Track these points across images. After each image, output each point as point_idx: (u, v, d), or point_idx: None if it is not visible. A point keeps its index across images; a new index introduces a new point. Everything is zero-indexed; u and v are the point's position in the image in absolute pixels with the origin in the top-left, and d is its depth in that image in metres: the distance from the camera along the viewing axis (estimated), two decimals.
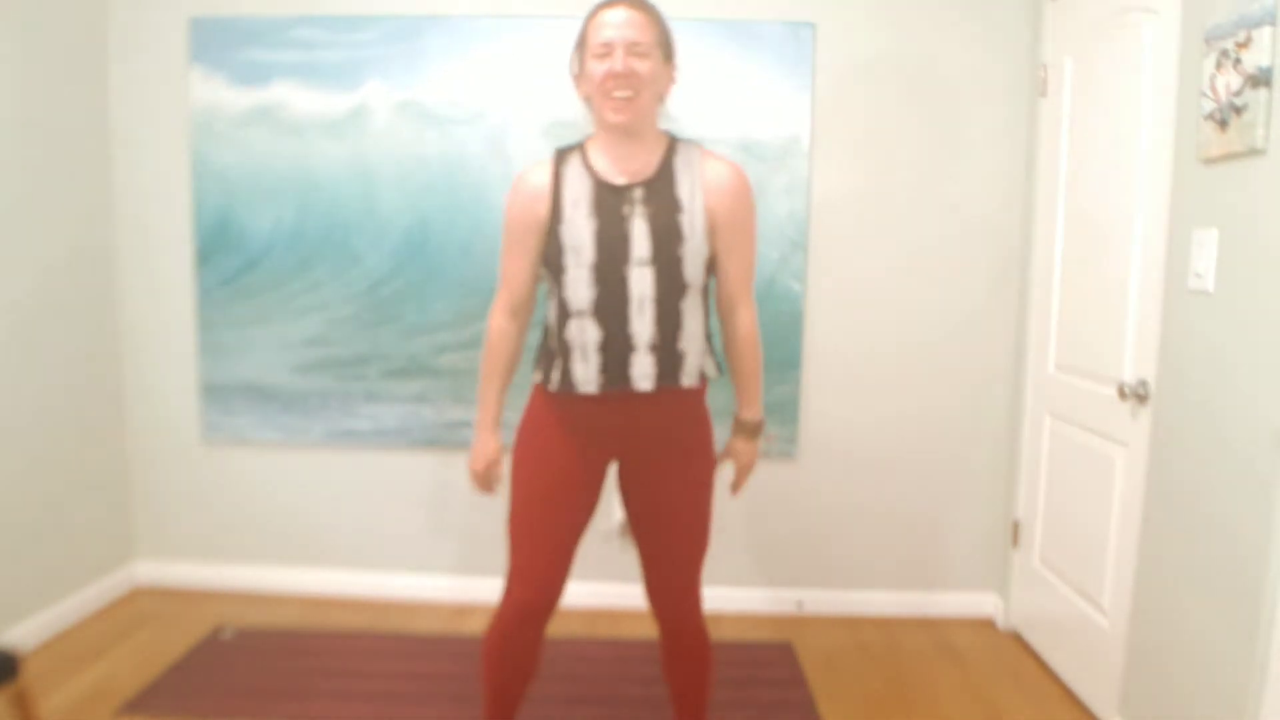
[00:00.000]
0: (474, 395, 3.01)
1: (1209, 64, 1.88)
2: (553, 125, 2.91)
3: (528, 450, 1.83)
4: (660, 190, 1.73)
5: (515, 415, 3.01)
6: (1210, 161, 1.90)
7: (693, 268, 1.73)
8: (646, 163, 1.76)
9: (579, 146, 1.80)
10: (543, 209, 1.76)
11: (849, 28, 2.88)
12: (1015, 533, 2.95)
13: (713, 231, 1.77)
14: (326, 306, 3.02)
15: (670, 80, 1.78)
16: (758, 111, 2.89)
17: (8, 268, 2.59)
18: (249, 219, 3.00)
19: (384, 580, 3.14)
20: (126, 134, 3.02)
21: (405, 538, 3.13)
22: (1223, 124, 1.83)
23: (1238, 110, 1.78)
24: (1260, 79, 1.72)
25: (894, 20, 2.87)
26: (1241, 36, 1.77)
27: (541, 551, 1.80)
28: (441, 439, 3.06)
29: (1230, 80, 1.80)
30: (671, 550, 1.86)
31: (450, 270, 2.98)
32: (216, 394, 3.08)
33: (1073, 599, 2.54)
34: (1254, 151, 1.75)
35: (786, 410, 2.99)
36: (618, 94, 1.67)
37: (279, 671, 2.56)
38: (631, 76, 1.66)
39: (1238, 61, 1.78)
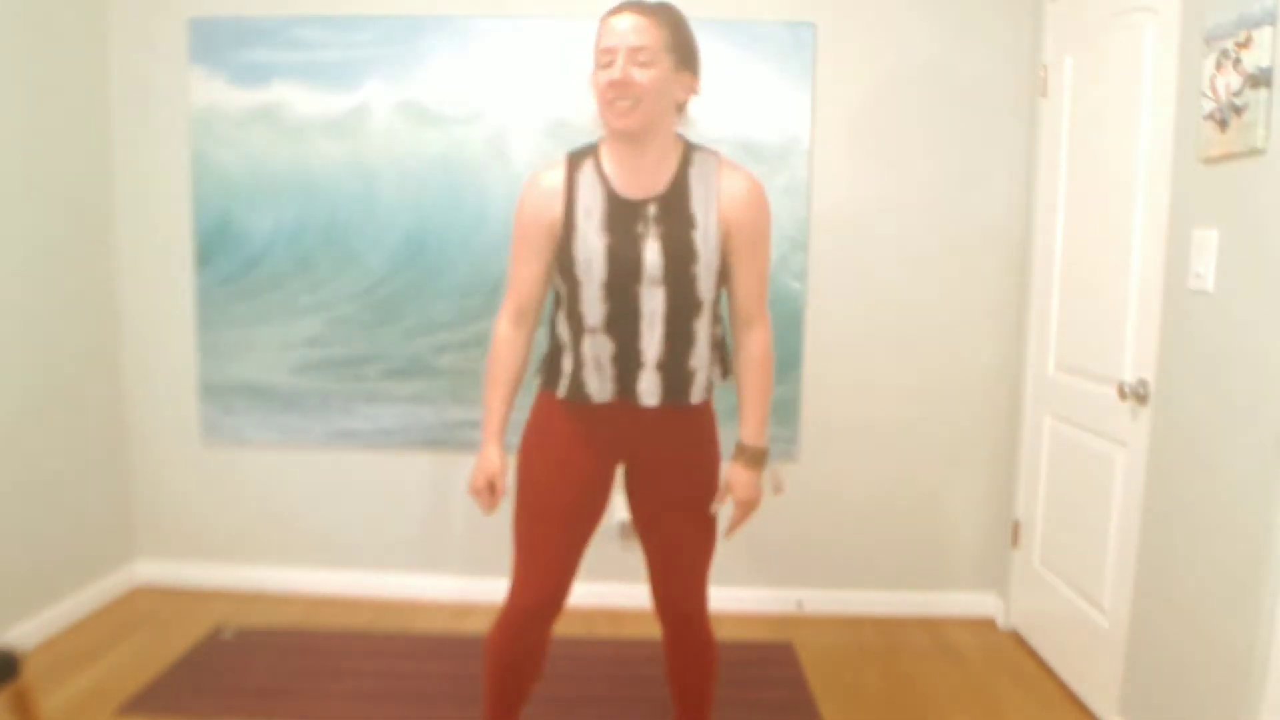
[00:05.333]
0: (474, 395, 3.01)
1: (1209, 64, 1.88)
2: (553, 125, 2.91)
3: (534, 453, 1.81)
4: (674, 205, 1.70)
5: (517, 417, 3.02)
6: (1210, 161, 1.90)
7: (705, 285, 1.71)
8: (660, 175, 1.72)
9: (592, 150, 1.76)
10: (555, 213, 1.72)
11: (849, 28, 2.88)
12: (1015, 533, 2.95)
13: (726, 245, 1.73)
14: (326, 306, 3.02)
15: (687, 88, 1.71)
16: (758, 111, 2.89)
17: (8, 268, 2.59)
18: (249, 219, 3.00)
19: (384, 580, 3.14)
20: (126, 134, 3.02)
21: (405, 538, 3.13)
22: (1223, 124, 1.84)
23: (1238, 110, 1.78)
24: (1260, 79, 1.72)
25: (894, 20, 2.87)
26: (1241, 36, 1.77)
27: (547, 554, 1.79)
28: (441, 439, 3.06)
29: (1230, 80, 1.80)
30: (677, 553, 1.85)
31: (450, 270, 2.98)
32: (216, 394, 3.08)
33: (1073, 599, 2.54)
34: (1254, 151, 1.75)
35: (786, 410, 2.99)
36: (618, 103, 1.63)
37: (279, 671, 2.56)
38: (630, 85, 1.61)
39: (1238, 61, 1.78)
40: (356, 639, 2.78)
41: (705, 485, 1.84)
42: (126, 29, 2.98)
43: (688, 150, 1.75)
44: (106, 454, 3.04)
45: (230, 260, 3.02)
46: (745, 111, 2.88)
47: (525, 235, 1.76)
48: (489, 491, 1.81)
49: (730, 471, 1.83)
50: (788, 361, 2.96)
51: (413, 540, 3.13)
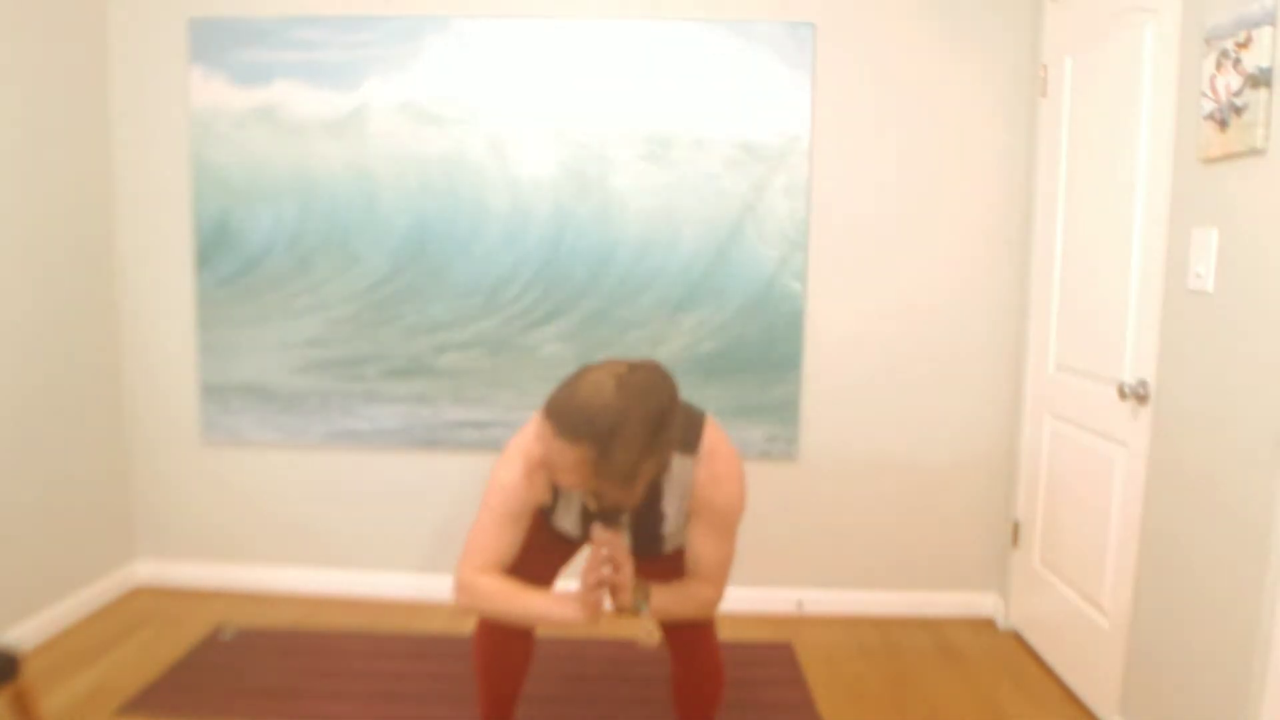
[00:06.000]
0: (474, 395, 3.01)
1: (1209, 64, 1.88)
2: (553, 125, 2.91)
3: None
4: (645, 510, 1.75)
5: (517, 417, 3.02)
6: (1210, 161, 1.90)
7: (672, 545, 1.84)
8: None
9: None
10: (546, 498, 1.77)
11: (849, 28, 2.88)
12: (1015, 533, 2.95)
13: (692, 519, 1.74)
14: (326, 306, 3.02)
15: (641, 485, 1.56)
16: (758, 111, 2.89)
17: (8, 268, 2.59)
18: (249, 219, 3.00)
19: (384, 580, 3.14)
20: (126, 134, 3.02)
21: (405, 538, 3.13)
22: (1223, 124, 1.83)
23: (1238, 110, 1.78)
24: (1260, 79, 1.72)
25: (894, 20, 2.87)
26: (1241, 36, 1.77)
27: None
28: (441, 439, 3.06)
29: (1230, 80, 1.80)
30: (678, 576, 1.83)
31: (450, 270, 2.98)
32: (216, 394, 3.08)
33: (1073, 599, 2.54)
34: (1254, 151, 1.75)
35: (786, 410, 2.99)
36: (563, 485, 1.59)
37: (279, 671, 2.56)
38: (582, 487, 1.56)
39: (1238, 61, 1.78)
40: (356, 639, 2.78)
41: (712, 510, 1.75)
42: (126, 29, 2.98)
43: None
44: (106, 454, 3.04)
45: (230, 260, 3.02)
46: (745, 111, 2.88)
47: (509, 513, 1.71)
48: (596, 592, 1.66)
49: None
50: (788, 361, 2.96)
51: (412, 540, 3.13)
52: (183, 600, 3.07)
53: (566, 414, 1.46)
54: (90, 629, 2.82)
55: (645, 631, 1.68)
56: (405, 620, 2.95)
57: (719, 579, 1.76)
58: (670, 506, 1.73)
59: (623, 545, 1.64)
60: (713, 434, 1.73)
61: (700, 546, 1.74)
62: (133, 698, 2.38)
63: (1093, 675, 2.40)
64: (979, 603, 3.08)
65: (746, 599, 3.09)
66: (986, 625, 3.02)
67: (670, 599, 1.75)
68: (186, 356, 3.09)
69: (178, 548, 3.18)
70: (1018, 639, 2.90)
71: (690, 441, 1.70)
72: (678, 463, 1.70)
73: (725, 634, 2.87)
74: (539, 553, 1.91)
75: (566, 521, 1.82)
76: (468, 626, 2.90)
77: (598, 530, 1.64)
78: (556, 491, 1.78)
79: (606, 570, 1.60)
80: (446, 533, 3.12)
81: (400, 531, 3.12)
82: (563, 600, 1.67)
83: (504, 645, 1.85)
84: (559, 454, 1.49)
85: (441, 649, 2.73)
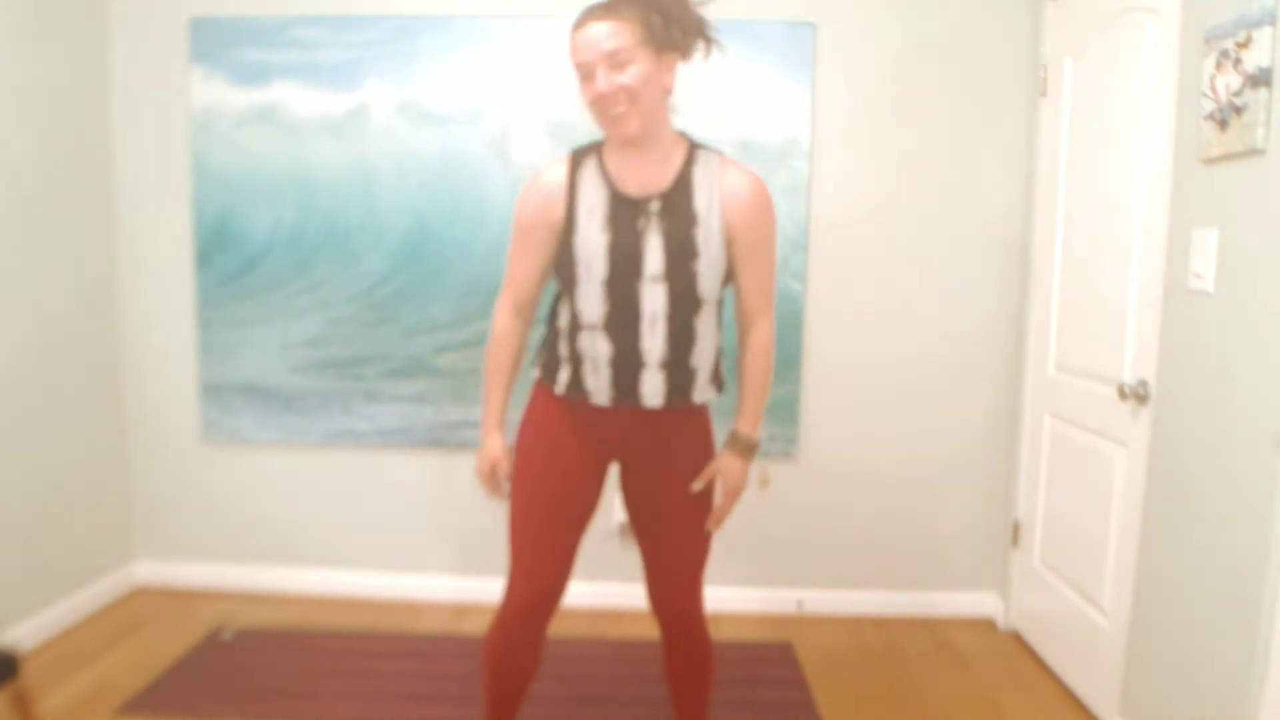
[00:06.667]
0: (474, 395, 3.01)
1: (1209, 64, 1.88)
2: (553, 125, 2.91)
3: (529, 449, 1.82)
4: (677, 203, 1.68)
5: (515, 415, 3.02)
6: (1210, 161, 1.90)
7: (707, 283, 1.69)
8: (663, 172, 1.70)
9: (596, 149, 1.74)
10: (558, 211, 1.72)
11: (849, 28, 2.88)
12: (1015, 533, 2.95)
13: (730, 244, 1.72)
14: (326, 306, 3.02)
15: (671, 70, 1.66)
16: (758, 111, 2.89)
17: (8, 267, 2.59)
18: (249, 219, 3.00)
19: (384, 580, 3.14)
20: (126, 134, 3.02)
21: (405, 538, 3.13)
22: (1223, 124, 1.83)
23: (1238, 110, 1.78)
24: (1260, 79, 1.72)
25: (894, 20, 2.87)
26: (1241, 36, 1.77)
27: (543, 550, 1.79)
28: (441, 439, 3.06)
29: (1230, 80, 1.80)
30: (673, 553, 1.85)
31: (450, 270, 2.98)
32: (216, 394, 3.08)
33: (1073, 599, 2.54)
34: (1254, 151, 1.75)
35: (786, 410, 2.99)
36: (612, 112, 1.61)
37: (279, 671, 2.56)
38: (619, 93, 1.59)
39: (1238, 61, 1.78)
40: (357, 639, 2.78)
41: (745, 227, 1.74)
42: (126, 29, 2.98)
43: (692, 149, 1.74)
44: (106, 454, 3.04)
45: (230, 260, 3.02)
46: (745, 111, 2.88)
47: (526, 231, 1.76)
48: (492, 476, 1.85)
49: (722, 458, 1.82)
50: (788, 361, 2.96)
51: (412, 540, 3.13)
52: (183, 600, 3.07)
53: (604, 3, 1.60)
54: (90, 629, 2.82)
55: (760, 477, 1.67)
56: (405, 620, 2.95)
57: (768, 305, 1.80)
58: (701, 204, 1.69)
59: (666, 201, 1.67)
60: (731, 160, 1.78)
61: (747, 274, 1.76)
62: (133, 698, 2.38)
63: (1093, 675, 2.41)
64: (979, 603, 3.08)
65: (746, 599, 3.09)
66: (986, 625, 3.02)
67: (755, 388, 1.83)
68: (186, 356, 3.09)
69: (178, 548, 3.18)
70: (1018, 639, 2.90)
71: (714, 151, 1.76)
72: (705, 156, 1.72)
73: (725, 634, 2.87)
74: (551, 507, 1.79)
75: (591, 234, 1.67)
76: (468, 626, 2.90)
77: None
78: (572, 198, 1.70)
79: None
80: (447, 533, 3.12)
81: (400, 531, 3.12)
82: (489, 442, 1.83)
83: (516, 647, 1.84)
84: (614, 37, 1.57)
85: (441, 649, 2.73)
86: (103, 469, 3.03)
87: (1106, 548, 2.34)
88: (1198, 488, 1.93)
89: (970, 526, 3.06)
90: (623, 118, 1.61)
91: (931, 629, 2.98)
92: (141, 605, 3.02)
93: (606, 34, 1.57)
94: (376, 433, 3.07)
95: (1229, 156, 1.83)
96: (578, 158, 1.75)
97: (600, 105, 1.61)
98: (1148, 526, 2.14)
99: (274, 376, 3.06)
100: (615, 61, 1.58)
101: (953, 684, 2.59)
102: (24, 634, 2.64)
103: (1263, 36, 1.71)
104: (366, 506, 3.12)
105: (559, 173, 1.73)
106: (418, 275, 2.99)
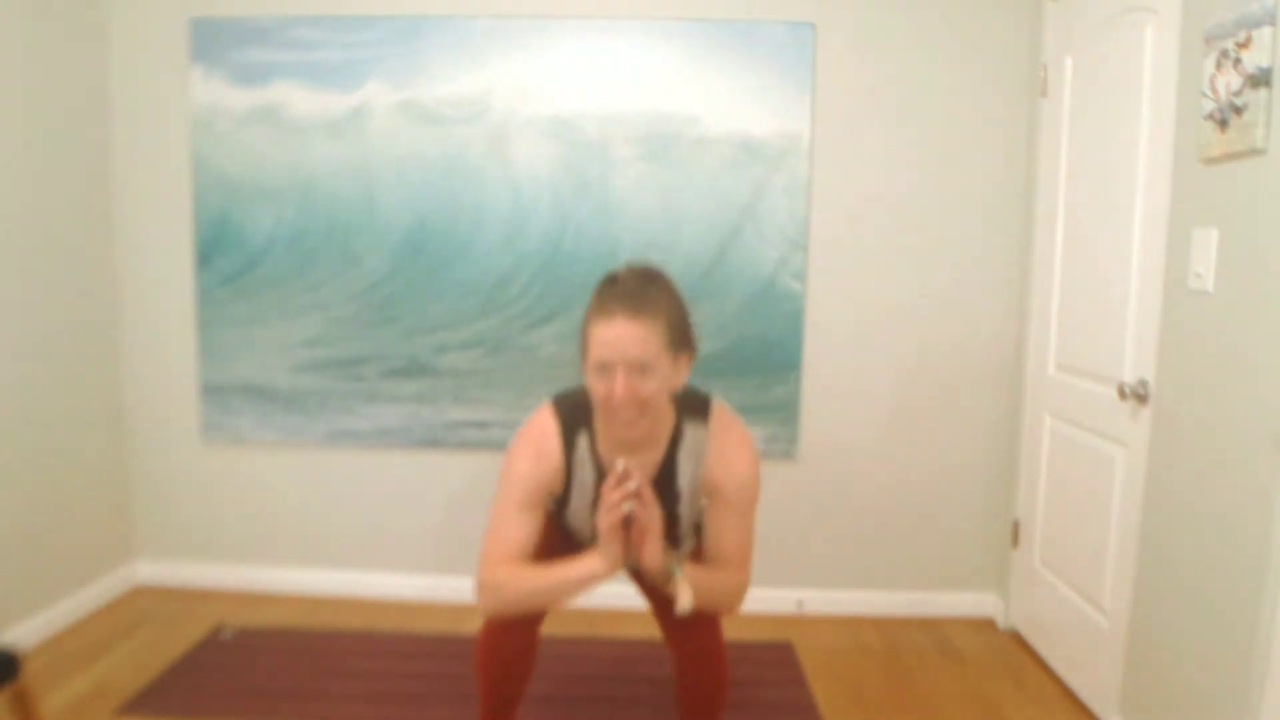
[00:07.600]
0: (473, 395, 3.01)
1: (1209, 64, 1.88)
2: (553, 125, 2.91)
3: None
4: (661, 487, 1.69)
5: (516, 417, 3.02)
6: (1210, 161, 1.90)
7: (685, 534, 1.80)
8: (651, 456, 1.70)
9: (586, 419, 1.71)
10: (559, 485, 1.74)
11: (849, 28, 2.88)
12: (1015, 533, 2.95)
13: (710, 508, 1.72)
14: (326, 306, 3.02)
15: (683, 371, 1.63)
16: (758, 111, 2.88)
17: (8, 267, 2.59)
18: (249, 219, 3.00)
19: (384, 580, 3.14)
20: (127, 134, 3.02)
21: (405, 538, 3.13)
22: (1223, 124, 1.83)
23: (1238, 110, 1.78)
24: (1260, 79, 1.72)
25: (894, 20, 2.87)
26: (1241, 36, 1.77)
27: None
28: (441, 439, 3.06)
29: (1230, 80, 1.80)
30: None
31: (450, 270, 2.98)
32: (216, 394, 3.08)
33: (1073, 599, 2.54)
34: (1254, 151, 1.75)
35: (786, 410, 2.99)
36: (621, 415, 1.57)
37: (279, 671, 2.56)
38: (634, 401, 1.54)
39: (1238, 61, 1.78)
40: (356, 639, 2.78)
41: (728, 490, 1.73)
42: (126, 29, 2.98)
43: (679, 423, 1.72)
44: (106, 454, 3.04)
45: (230, 260, 3.02)
46: (745, 111, 2.88)
47: (526, 495, 1.70)
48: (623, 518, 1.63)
49: (662, 556, 1.65)
50: (787, 362, 2.96)
51: (412, 540, 3.13)
52: (183, 600, 3.07)
53: (634, 295, 1.55)
54: (90, 629, 2.82)
55: (680, 598, 1.60)
56: (405, 620, 2.95)
57: (743, 563, 1.74)
58: (684, 481, 1.71)
59: (647, 480, 1.56)
60: (723, 412, 1.75)
61: (720, 531, 1.72)
62: (133, 698, 2.38)
63: (1092, 675, 2.40)
64: (979, 603, 3.08)
65: (746, 599, 3.08)
66: (986, 625, 3.02)
67: (702, 573, 1.68)
68: (186, 356, 3.09)
69: (178, 548, 3.18)
70: (1018, 639, 2.90)
71: (700, 409, 1.73)
72: (691, 432, 1.71)
73: (725, 634, 2.86)
74: (551, 557, 1.83)
75: (580, 512, 1.77)
76: (468, 626, 2.90)
77: (618, 462, 1.56)
78: (569, 477, 1.73)
79: (629, 506, 1.53)
80: (446, 533, 3.12)
81: (400, 531, 3.12)
82: (584, 558, 1.61)
83: (509, 648, 1.83)
84: (641, 344, 1.52)
85: (441, 649, 2.73)
86: (103, 469, 3.02)
87: (1106, 547, 2.34)
88: (1198, 488, 1.93)
89: (970, 526, 3.06)
90: (631, 422, 1.58)
91: (931, 629, 2.98)
92: (141, 605, 3.02)
93: (634, 340, 1.52)
94: (376, 433, 3.07)
95: (1229, 156, 1.83)
96: (569, 430, 1.72)
97: (611, 405, 1.57)
98: (1148, 526, 2.14)
99: (274, 376, 3.06)
100: (638, 367, 1.53)
101: (952, 684, 2.59)
102: (24, 634, 2.64)
103: (1263, 36, 1.71)
104: (366, 506, 3.12)
105: (554, 450, 1.71)
106: (418, 275, 2.99)
